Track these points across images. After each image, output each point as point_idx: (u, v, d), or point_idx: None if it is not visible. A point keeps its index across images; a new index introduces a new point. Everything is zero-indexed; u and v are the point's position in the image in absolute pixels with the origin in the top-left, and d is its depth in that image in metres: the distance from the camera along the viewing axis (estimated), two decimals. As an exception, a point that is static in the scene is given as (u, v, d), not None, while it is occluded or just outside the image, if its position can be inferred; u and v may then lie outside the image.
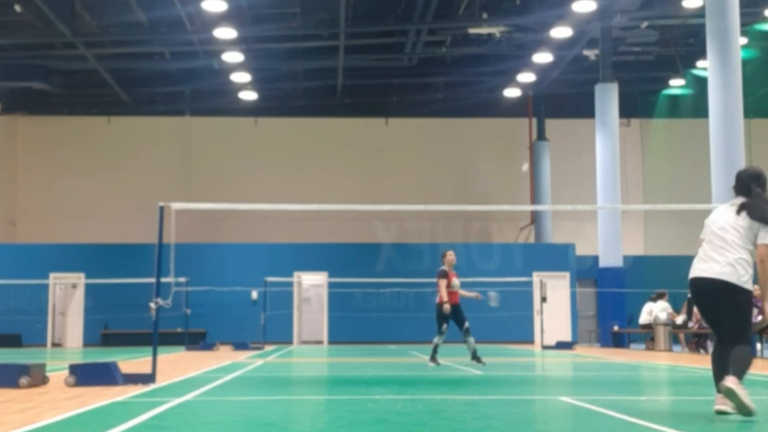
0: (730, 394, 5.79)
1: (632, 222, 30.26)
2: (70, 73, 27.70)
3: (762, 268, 5.97)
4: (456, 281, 13.03)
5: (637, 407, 6.69)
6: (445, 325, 12.98)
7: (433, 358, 13.08)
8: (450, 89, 30.03)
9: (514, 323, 26.03)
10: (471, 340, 13.01)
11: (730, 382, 5.82)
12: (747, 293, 6.02)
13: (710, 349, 19.63)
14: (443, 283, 12.96)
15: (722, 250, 6.06)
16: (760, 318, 6.30)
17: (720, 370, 6.13)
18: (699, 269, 6.15)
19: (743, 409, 5.79)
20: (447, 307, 12.79)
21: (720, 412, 5.99)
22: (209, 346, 21.46)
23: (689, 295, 20.07)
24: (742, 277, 5.98)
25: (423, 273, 26.40)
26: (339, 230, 29.59)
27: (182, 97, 30.32)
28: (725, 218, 6.19)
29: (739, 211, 6.13)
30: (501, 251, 27.93)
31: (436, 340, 13.09)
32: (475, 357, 13.00)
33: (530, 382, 10.43)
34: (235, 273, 26.81)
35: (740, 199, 6.22)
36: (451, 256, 13.20)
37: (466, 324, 12.94)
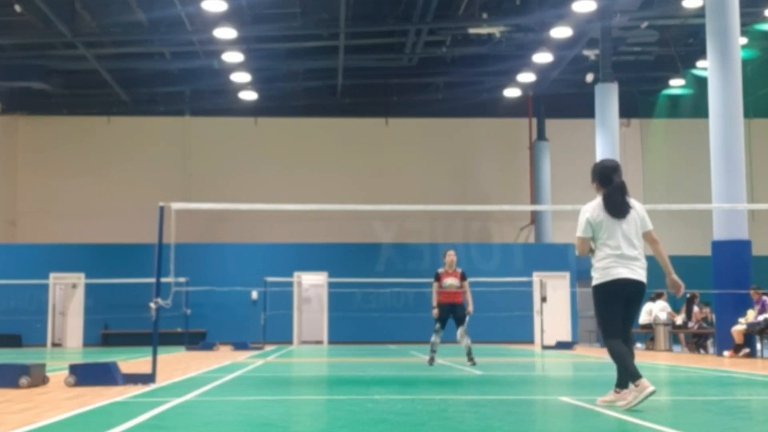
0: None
1: (632, 222, 30.22)
2: (70, 73, 27.69)
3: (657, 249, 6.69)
4: (449, 281, 12.98)
5: (636, 407, 6.69)
6: (437, 324, 13.01)
7: (430, 359, 13.12)
8: (450, 89, 30.03)
9: (514, 323, 26.03)
10: (466, 341, 12.97)
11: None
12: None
13: (710, 349, 19.62)
14: (434, 286, 13.05)
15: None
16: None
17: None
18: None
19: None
20: (434, 312, 12.94)
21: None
22: (209, 346, 21.46)
23: (688, 295, 20.18)
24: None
25: (423, 273, 26.37)
26: (339, 230, 29.60)
27: (182, 97, 30.32)
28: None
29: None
30: (501, 251, 27.93)
31: (431, 338, 13.16)
32: (469, 356, 12.99)
33: (530, 382, 10.43)
34: (235, 273, 26.81)
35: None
36: (448, 256, 13.16)
37: (463, 326, 12.89)
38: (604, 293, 6.59)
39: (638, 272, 6.57)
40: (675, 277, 6.73)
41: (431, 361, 13.09)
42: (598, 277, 6.60)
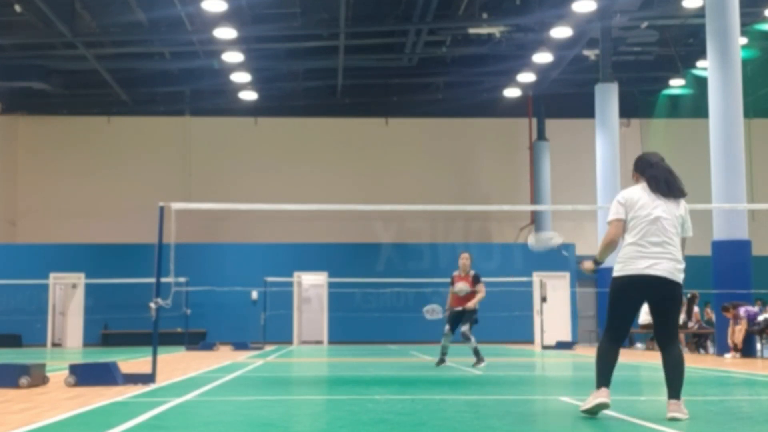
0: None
1: (632, 222, 30.21)
2: (70, 73, 27.68)
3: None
4: (459, 286, 12.92)
5: (637, 407, 6.70)
6: (447, 327, 12.99)
7: (439, 360, 13.09)
8: (450, 89, 30.02)
9: (514, 323, 26.02)
10: (469, 343, 12.90)
11: (675, 410, 5.80)
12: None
13: (710, 349, 19.62)
14: (450, 289, 13.07)
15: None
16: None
17: (614, 367, 6.09)
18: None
19: None
20: (447, 312, 13.01)
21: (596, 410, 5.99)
22: (209, 346, 21.46)
23: (689, 295, 20.19)
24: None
25: (423, 273, 26.42)
26: (339, 230, 29.59)
27: (182, 97, 30.32)
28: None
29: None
30: (501, 251, 27.94)
31: (441, 341, 13.15)
32: (476, 356, 12.93)
33: (530, 382, 10.44)
34: (235, 273, 26.81)
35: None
36: (461, 260, 13.10)
37: (464, 327, 12.78)
38: (620, 287, 6.06)
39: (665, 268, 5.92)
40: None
41: (440, 362, 13.01)
42: (618, 269, 6.07)
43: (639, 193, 6.14)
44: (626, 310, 6.05)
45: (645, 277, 5.89)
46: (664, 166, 6.26)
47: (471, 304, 12.85)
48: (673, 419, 5.67)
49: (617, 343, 6.07)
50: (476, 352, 12.88)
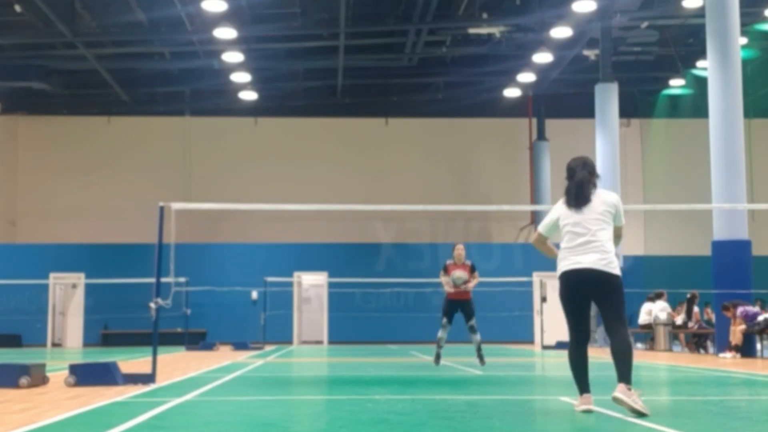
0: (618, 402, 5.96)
1: (632, 222, 30.19)
2: (70, 73, 27.68)
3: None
4: (457, 273, 12.86)
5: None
6: (444, 319, 12.89)
7: (436, 356, 13.05)
8: (450, 89, 30.02)
9: (514, 323, 26.03)
10: (475, 337, 12.86)
11: (619, 390, 5.97)
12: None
13: (710, 349, 19.62)
14: (441, 276, 12.97)
15: None
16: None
17: (586, 369, 6.29)
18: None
19: (637, 413, 5.91)
20: (449, 288, 12.77)
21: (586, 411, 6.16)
22: (209, 346, 21.46)
23: (689, 295, 20.18)
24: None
25: (423, 273, 26.42)
26: (339, 230, 29.59)
27: (182, 97, 30.32)
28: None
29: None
30: (501, 251, 27.94)
31: (438, 333, 13.07)
32: (479, 354, 12.94)
33: (530, 382, 10.44)
34: (235, 273, 26.82)
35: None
36: (457, 250, 13.07)
37: (471, 321, 12.83)
38: (560, 287, 6.43)
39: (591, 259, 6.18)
40: None
41: (437, 359, 12.98)
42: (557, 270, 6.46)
43: (560, 209, 6.61)
44: (571, 308, 6.40)
45: (573, 272, 6.25)
46: (578, 176, 6.53)
47: (471, 286, 12.86)
48: (616, 400, 5.88)
49: (580, 344, 6.33)
50: (479, 349, 12.87)
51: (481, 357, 12.84)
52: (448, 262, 13.07)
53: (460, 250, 13.11)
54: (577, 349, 6.30)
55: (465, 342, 13.03)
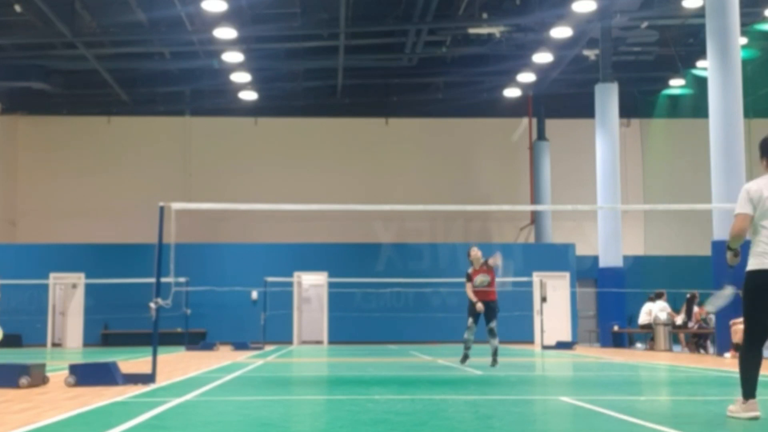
0: None
1: (632, 222, 30.24)
2: (70, 73, 27.69)
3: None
4: (480, 278, 12.77)
5: (637, 407, 6.69)
6: (470, 320, 12.78)
7: (464, 356, 12.97)
8: (450, 89, 30.02)
9: (514, 323, 26.00)
10: (493, 342, 12.69)
11: None
12: None
13: (710, 349, 19.61)
14: (468, 287, 12.85)
15: None
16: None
17: (758, 372, 5.74)
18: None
19: None
20: (479, 306, 12.57)
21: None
22: (209, 346, 21.45)
23: (688, 295, 20.15)
24: None
25: (423, 273, 26.43)
26: (339, 230, 29.59)
27: (182, 97, 30.32)
28: None
29: None
30: (501, 251, 27.79)
31: (464, 335, 13.00)
32: (494, 357, 12.73)
33: (530, 382, 10.44)
34: (235, 273, 26.80)
35: None
36: (473, 253, 13.03)
37: (491, 324, 12.71)
38: (754, 283, 5.63)
39: None
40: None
41: (464, 359, 12.92)
42: (751, 263, 5.65)
43: (765, 184, 5.70)
44: (756, 309, 5.65)
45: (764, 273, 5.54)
46: None
47: (497, 262, 12.88)
48: None
49: (755, 345, 5.69)
50: (496, 353, 12.72)
51: (495, 360, 12.69)
52: (469, 270, 12.97)
53: (475, 252, 13.07)
54: (749, 350, 5.65)
55: (490, 337, 12.86)
